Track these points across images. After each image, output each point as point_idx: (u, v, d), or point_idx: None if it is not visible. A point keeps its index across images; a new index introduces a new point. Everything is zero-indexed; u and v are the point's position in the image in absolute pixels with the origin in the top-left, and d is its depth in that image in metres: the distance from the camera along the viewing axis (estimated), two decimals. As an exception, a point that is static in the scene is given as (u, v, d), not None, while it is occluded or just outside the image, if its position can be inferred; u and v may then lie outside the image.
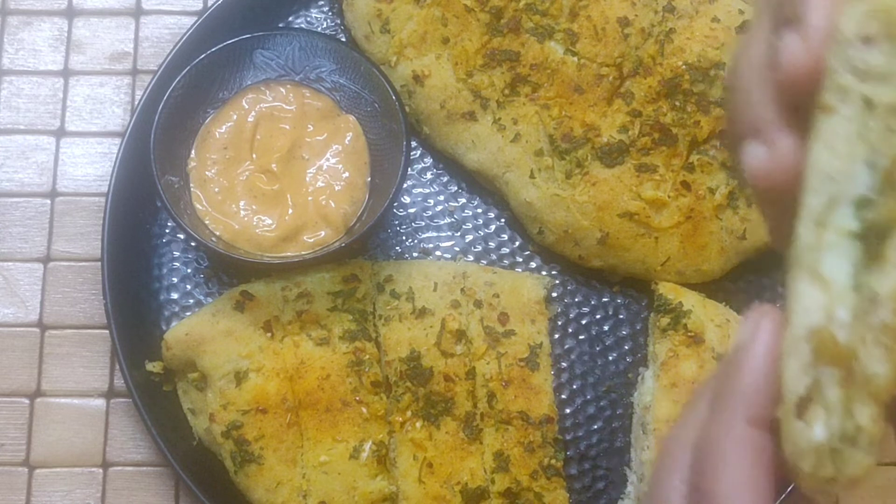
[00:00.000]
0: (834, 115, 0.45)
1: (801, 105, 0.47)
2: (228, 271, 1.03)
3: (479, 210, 1.06)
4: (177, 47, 1.04)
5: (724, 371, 0.50)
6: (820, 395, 0.46)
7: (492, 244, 1.05)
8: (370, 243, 1.04)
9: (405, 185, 1.04)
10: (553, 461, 0.94)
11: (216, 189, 0.99)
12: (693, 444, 0.50)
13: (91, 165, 1.08)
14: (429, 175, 1.07)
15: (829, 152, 0.45)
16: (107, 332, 0.99)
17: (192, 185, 0.99)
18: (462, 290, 0.98)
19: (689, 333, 0.95)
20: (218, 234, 0.97)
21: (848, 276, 0.45)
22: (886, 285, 0.45)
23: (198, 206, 0.98)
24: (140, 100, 1.03)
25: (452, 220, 1.05)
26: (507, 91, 1.01)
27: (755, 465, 0.47)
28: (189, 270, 1.03)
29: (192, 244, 1.03)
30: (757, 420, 0.47)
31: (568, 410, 1.00)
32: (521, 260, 1.04)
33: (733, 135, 0.51)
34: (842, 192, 0.45)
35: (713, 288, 1.01)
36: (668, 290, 0.99)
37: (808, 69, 0.45)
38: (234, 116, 1.00)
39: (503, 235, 1.05)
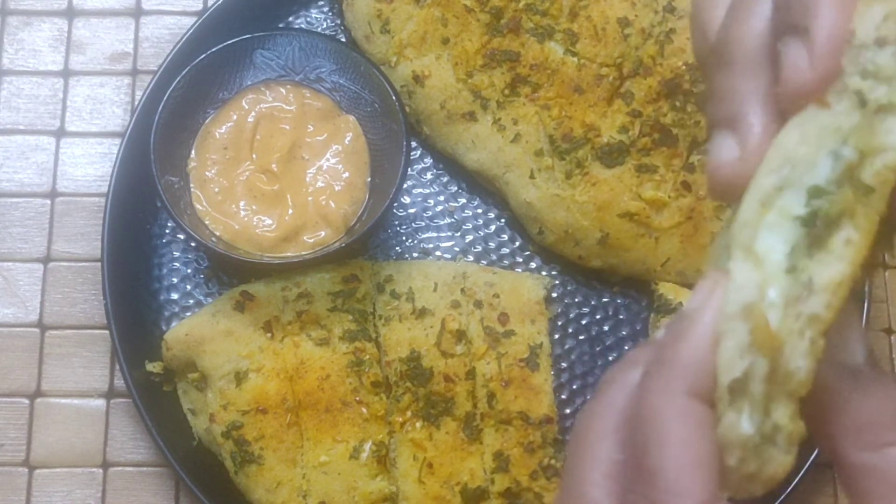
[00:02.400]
0: (823, 110, 0.44)
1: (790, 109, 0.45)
2: (228, 271, 1.03)
3: (479, 210, 1.06)
4: (177, 47, 1.04)
5: (666, 339, 0.45)
6: (748, 387, 0.44)
7: (492, 244, 1.05)
8: (370, 243, 1.04)
9: (405, 185, 1.04)
10: (553, 461, 0.94)
11: (216, 189, 0.99)
12: (624, 416, 0.46)
13: (91, 165, 1.08)
14: (429, 175, 1.07)
15: (799, 136, 0.44)
16: (107, 332, 0.99)
17: (192, 185, 0.99)
18: (462, 290, 0.98)
19: (689, 333, 0.95)
20: (218, 234, 0.97)
21: (783, 255, 0.43)
22: (825, 275, 0.43)
23: (198, 206, 0.98)
24: (140, 100, 1.02)
25: (452, 220, 1.05)
26: (507, 91, 1.01)
27: (702, 441, 0.43)
28: (189, 270, 1.03)
29: (192, 244, 1.03)
30: (698, 393, 0.43)
31: (568, 411, 1.00)
32: (521, 260, 1.04)
33: (709, 108, 0.48)
34: (798, 177, 0.44)
35: (713, 288, 1.01)
36: (668, 290, 0.99)
37: (814, 84, 0.44)
38: (234, 116, 1.00)
39: (503, 235, 1.05)
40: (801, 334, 0.43)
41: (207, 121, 1.01)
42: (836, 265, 0.43)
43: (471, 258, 1.04)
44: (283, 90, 1.02)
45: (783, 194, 0.44)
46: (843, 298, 0.43)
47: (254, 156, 1.00)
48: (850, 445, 0.45)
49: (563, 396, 1.00)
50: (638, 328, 1.02)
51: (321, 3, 1.11)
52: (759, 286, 0.43)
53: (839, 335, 0.45)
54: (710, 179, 0.46)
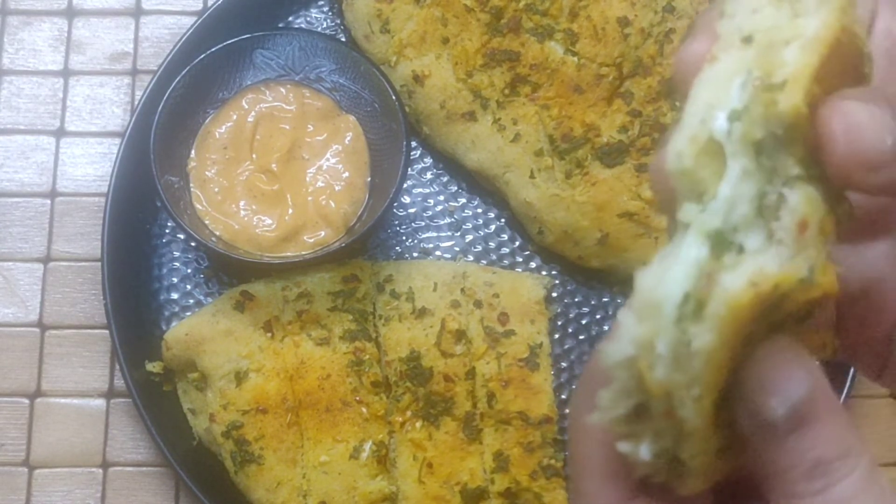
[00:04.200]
0: (716, 63, 0.45)
1: None
2: (228, 271, 1.03)
3: (479, 210, 1.06)
4: (177, 47, 1.04)
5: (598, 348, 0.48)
6: (647, 416, 0.44)
7: (492, 244, 1.05)
8: (370, 243, 1.04)
9: (405, 185, 1.04)
10: (553, 461, 0.94)
11: (216, 189, 0.99)
12: None
13: (91, 165, 1.08)
14: (429, 175, 1.07)
15: (707, 88, 0.45)
16: (107, 332, 0.99)
17: (192, 185, 0.99)
18: (462, 290, 0.98)
19: (689, 333, 0.95)
20: (218, 234, 0.97)
21: (674, 306, 0.42)
22: (699, 342, 0.41)
23: (198, 206, 0.99)
24: (140, 100, 1.03)
25: (452, 220, 1.05)
26: (507, 91, 1.01)
27: (600, 456, 0.46)
28: (189, 270, 1.03)
29: (192, 244, 1.03)
30: None
31: (568, 411, 1.00)
32: (521, 260, 1.04)
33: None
34: (717, 105, 0.44)
35: (713, 288, 1.01)
36: (667, 290, 0.99)
37: (701, 48, 0.46)
38: (234, 116, 1.00)
39: (503, 235, 1.05)
40: (688, 388, 0.42)
41: (207, 121, 1.01)
42: (706, 335, 0.42)
43: (471, 258, 1.04)
44: (283, 90, 1.02)
45: (708, 125, 0.44)
46: (715, 368, 0.42)
47: (254, 156, 1.00)
48: (765, 488, 0.45)
49: (563, 396, 1.00)
50: (638, 328, 1.02)
51: (321, 2, 1.11)
52: (645, 340, 0.42)
53: (755, 389, 0.43)
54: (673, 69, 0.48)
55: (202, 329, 0.96)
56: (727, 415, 0.45)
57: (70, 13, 1.12)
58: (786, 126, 0.43)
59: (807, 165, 0.44)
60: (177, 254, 1.04)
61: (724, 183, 0.43)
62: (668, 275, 0.42)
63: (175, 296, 1.03)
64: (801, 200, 0.43)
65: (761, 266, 0.41)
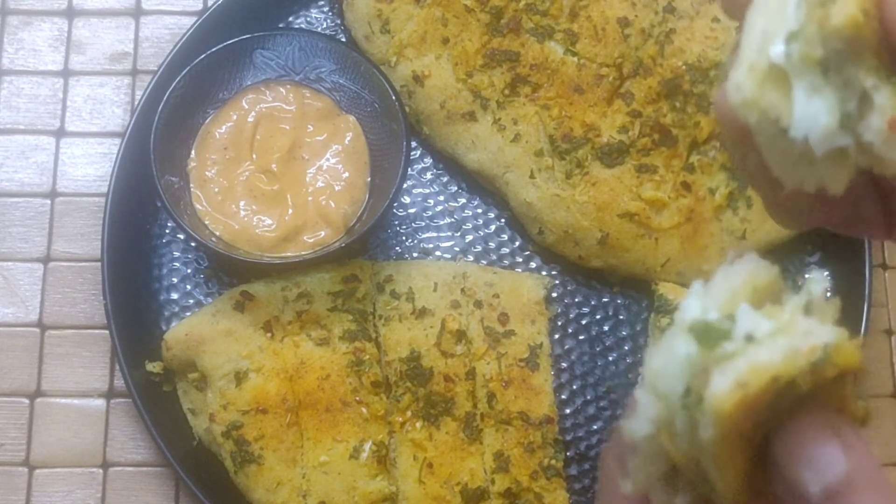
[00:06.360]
0: None
1: None
2: (228, 271, 1.03)
3: (479, 210, 1.06)
4: (177, 47, 1.04)
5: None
6: (679, 473, 0.46)
7: (492, 244, 1.05)
8: (370, 243, 1.04)
9: (405, 185, 1.04)
10: (553, 461, 0.94)
11: (216, 189, 0.99)
12: None
13: (91, 165, 1.08)
14: (429, 175, 1.07)
15: (762, 15, 0.46)
16: (107, 332, 0.99)
17: (192, 185, 0.99)
18: (462, 290, 0.98)
19: (689, 334, 0.95)
20: (218, 234, 0.97)
21: (678, 396, 0.43)
22: (704, 432, 0.42)
23: (198, 206, 0.99)
24: (140, 100, 1.03)
25: (452, 220, 1.05)
26: (507, 91, 1.01)
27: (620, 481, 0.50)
28: (189, 270, 1.03)
29: (192, 244, 1.03)
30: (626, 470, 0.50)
31: (568, 411, 1.00)
32: (521, 260, 1.04)
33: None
34: (774, 31, 0.44)
35: (713, 288, 1.01)
36: (668, 290, 0.99)
37: None
38: (234, 116, 1.00)
39: (503, 235, 1.05)
40: (709, 460, 0.43)
41: (207, 121, 1.01)
42: (708, 429, 0.42)
43: (471, 258, 1.04)
44: (283, 90, 1.02)
45: (768, 45, 0.44)
46: (729, 445, 0.43)
47: (254, 156, 1.00)
48: None
49: (563, 396, 1.00)
50: (638, 328, 1.02)
51: (321, 3, 1.11)
52: (662, 419, 0.44)
53: (790, 461, 0.44)
54: (721, 126, 0.50)
55: (202, 329, 0.96)
56: (763, 471, 0.45)
57: (70, 13, 1.12)
58: (846, 39, 0.43)
59: (886, 74, 0.44)
60: (177, 254, 1.04)
61: (796, 102, 0.43)
62: (667, 367, 0.43)
63: (175, 296, 1.03)
64: (890, 97, 0.42)
65: (755, 361, 0.41)
